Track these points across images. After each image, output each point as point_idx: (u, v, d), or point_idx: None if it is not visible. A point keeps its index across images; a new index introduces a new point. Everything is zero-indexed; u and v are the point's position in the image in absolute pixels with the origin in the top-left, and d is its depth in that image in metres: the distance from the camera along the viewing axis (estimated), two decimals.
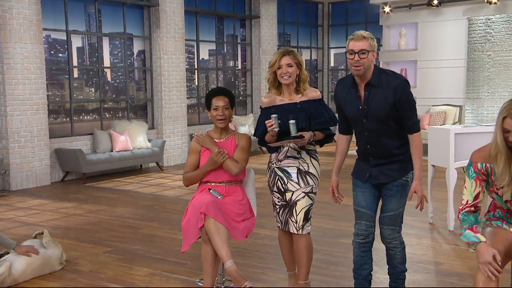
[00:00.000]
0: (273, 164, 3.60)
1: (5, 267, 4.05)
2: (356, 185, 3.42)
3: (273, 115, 3.39)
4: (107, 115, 9.81)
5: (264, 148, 11.85)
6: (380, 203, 3.42)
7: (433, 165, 5.66)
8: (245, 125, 11.52)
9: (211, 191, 3.64)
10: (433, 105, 11.16)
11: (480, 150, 2.93)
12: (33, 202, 7.28)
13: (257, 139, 3.62)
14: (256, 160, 10.86)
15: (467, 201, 2.89)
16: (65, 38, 9.07)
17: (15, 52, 8.07)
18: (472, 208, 2.90)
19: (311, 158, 3.55)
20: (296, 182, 3.50)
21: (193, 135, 3.78)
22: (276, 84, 3.56)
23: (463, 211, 2.90)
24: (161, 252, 4.92)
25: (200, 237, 3.52)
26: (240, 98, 12.52)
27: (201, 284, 3.71)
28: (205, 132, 3.81)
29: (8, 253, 4.25)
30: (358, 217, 3.39)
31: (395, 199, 3.32)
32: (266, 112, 3.54)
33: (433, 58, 11.34)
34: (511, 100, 2.72)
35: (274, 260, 4.61)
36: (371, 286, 3.49)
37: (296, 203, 3.49)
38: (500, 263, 2.66)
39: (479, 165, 2.87)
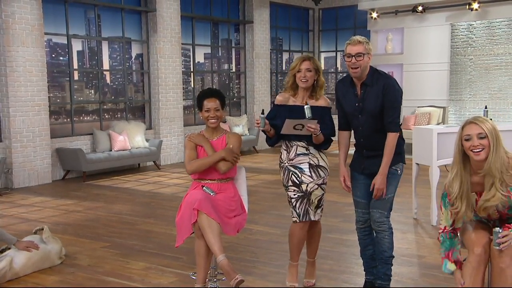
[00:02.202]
0: (285, 163, 3.70)
1: (6, 261, 4.02)
2: (353, 177, 3.58)
3: (261, 115, 3.56)
4: (106, 116, 9.77)
5: (257, 147, 11.90)
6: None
7: (417, 163, 5.67)
8: (239, 126, 11.50)
9: (204, 188, 3.63)
10: (418, 107, 11.20)
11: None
12: (34, 200, 7.24)
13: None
14: (250, 159, 10.86)
15: (445, 227, 2.94)
16: (66, 42, 9.03)
17: (17, 55, 8.02)
18: (449, 233, 2.93)
19: (319, 152, 3.69)
20: (309, 175, 3.64)
21: (186, 136, 3.77)
22: (294, 86, 3.68)
23: (442, 233, 2.95)
24: (157, 247, 4.90)
25: (193, 232, 3.50)
26: (234, 99, 12.50)
27: (194, 278, 3.69)
28: (198, 132, 3.80)
29: (9, 248, 4.22)
30: (356, 205, 3.60)
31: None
32: (276, 109, 3.71)
33: (418, 61, 11.38)
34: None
35: (265, 255, 4.61)
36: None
37: (311, 193, 3.64)
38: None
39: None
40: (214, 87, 11.65)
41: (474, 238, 2.81)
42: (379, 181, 3.37)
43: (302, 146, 3.65)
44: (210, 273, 3.68)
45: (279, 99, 3.72)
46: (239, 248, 4.79)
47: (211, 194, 3.58)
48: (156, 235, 5.31)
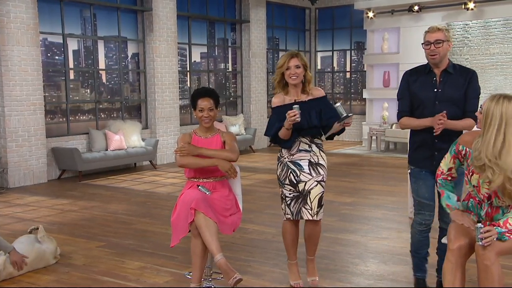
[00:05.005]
0: (285, 158, 3.66)
1: (0, 261, 4.00)
2: (419, 177, 3.48)
3: (295, 106, 3.42)
4: (102, 115, 9.75)
5: (253, 147, 11.90)
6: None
7: None
8: (236, 125, 11.50)
9: (199, 187, 3.62)
10: None
11: (469, 133, 3.04)
12: (30, 199, 7.22)
13: (270, 137, 3.66)
14: (246, 158, 10.85)
15: (443, 170, 3.10)
16: (62, 41, 9.00)
17: (12, 54, 8.00)
18: (449, 178, 3.09)
19: (320, 151, 3.67)
20: (308, 173, 3.60)
21: (174, 150, 3.71)
22: (282, 84, 3.64)
23: (440, 177, 3.10)
24: (152, 246, 4.89)
25: (189, 231, 3.49)
26: (231, 99, 12.50)
27: (189, 277, 3.69)
28: (191, 132, 3.77)
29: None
30: (422, 208, 3.47)
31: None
32: (277, 111, 3.60)
33: (414, 61, 11.26)
34: None
35: (261, 254, 4.61)
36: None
37: (309, 192, 3.59)
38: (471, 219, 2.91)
39: (460, 146, 2.99)
40: (211, 86, 11.64)
41: (455, 235, 2.85)
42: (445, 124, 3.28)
43: (305, 143, 3.62)
44: (205, 272, 3.68)
45: (276, 101, 3.65)
46: (235, 247, 4.78)
47: (207, 193, 3.58)
48: (151, 235, 5.30)
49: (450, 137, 3.30)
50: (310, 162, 3.61)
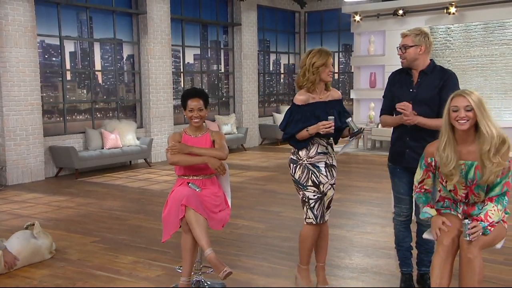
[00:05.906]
0: (304, 161, 3.48)
1: None
2: (394, 174, 3.53)
3: (331, 117, 3.34)
4: (98, 115, 9.71)
5: (245, 145, 11.88)
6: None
7: None
8: (228, 125, 11.49)
9: (189, 184, 3.62)
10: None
11: (432, 144, 3.00)
12: (27, 196, 7.17)
13: (287, 135, 3.46)
14: (238, 156, 10.85)
15: (415, 185, 3.11)
16: (58, 43, 8.95)
17: (10, 56, 7.94)
18: (422, 190, 3.07)
19: (333, 151, 3.61)
20: (325, 175, 3.50)
21: (166, 149, 3.66)
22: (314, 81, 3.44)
23: (415, 191, 3.11)
24: (145, 241, 4.88)
25: (180, 227, 3.49)
26: (223, 99, 12.48)
27: (180, 271, 3.68)
28: (181, 131, 3.76)
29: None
30: (399, 202, 3.53)
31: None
32: (301, 110, 3.42)
33: (399, 63, 11.33)
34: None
35: (250, 248, 4.62)
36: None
37: (325, 194, 3.54)
38: (449, 224, 2.87)
39: (428, 159, 2.99)
40: (203, 87, 11.63)
41: (446, 231, 2.85)
42: (414, 118, 3.21)
43: (322, 145, 3.49)
44: (195, 267, 3.67)
45: (302, 98, 3.41)
46: (224, 242, 4.78)
47: (197, 190, 3.57)
48: (145, 230, 5.29)
49: (421, 134, 3.28)
50: (326, 163, 3.50)
